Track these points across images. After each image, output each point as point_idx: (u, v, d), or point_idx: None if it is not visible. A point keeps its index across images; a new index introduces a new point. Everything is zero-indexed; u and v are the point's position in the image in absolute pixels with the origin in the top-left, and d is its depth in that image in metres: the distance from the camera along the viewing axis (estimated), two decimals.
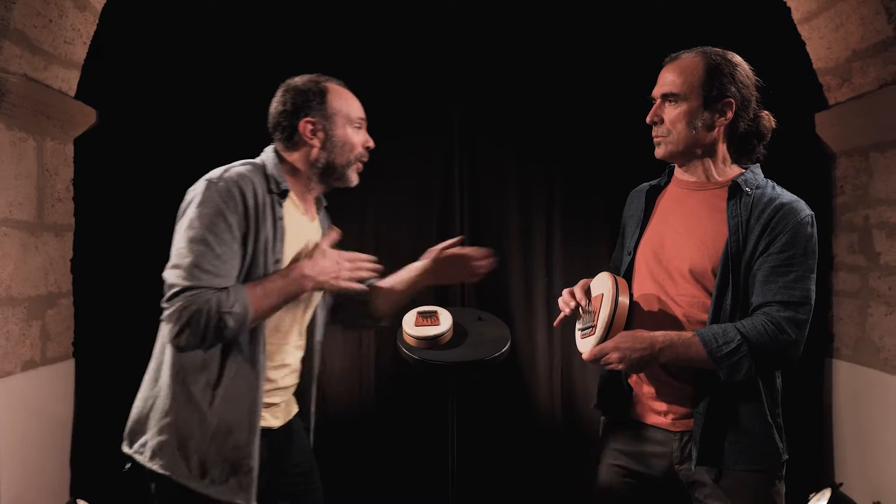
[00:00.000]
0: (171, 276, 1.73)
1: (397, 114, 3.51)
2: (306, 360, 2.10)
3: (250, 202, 1.81)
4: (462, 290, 3.49)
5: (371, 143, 2.08)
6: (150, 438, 1.80)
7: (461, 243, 2.24)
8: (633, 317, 1.87)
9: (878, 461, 3.14)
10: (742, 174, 1.88)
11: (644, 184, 2.11)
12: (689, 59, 1.88)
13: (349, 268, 1.94)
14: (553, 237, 3.53)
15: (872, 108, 3.06)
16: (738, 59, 1.90)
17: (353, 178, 2.06)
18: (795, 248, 1.77)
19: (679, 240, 1.89)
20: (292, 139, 1.97)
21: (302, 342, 2.07)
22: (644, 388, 1.94)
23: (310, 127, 1.95)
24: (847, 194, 3.36)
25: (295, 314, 1.99)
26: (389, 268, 3.51)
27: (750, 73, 1.90)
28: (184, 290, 1.70)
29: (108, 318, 3.35)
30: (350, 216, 3.51)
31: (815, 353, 3.51)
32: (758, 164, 1.94)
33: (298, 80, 2.02)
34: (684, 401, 1.87)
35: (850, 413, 3.37)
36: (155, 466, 1.78)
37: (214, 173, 1.83)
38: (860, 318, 3.27)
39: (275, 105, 2.01)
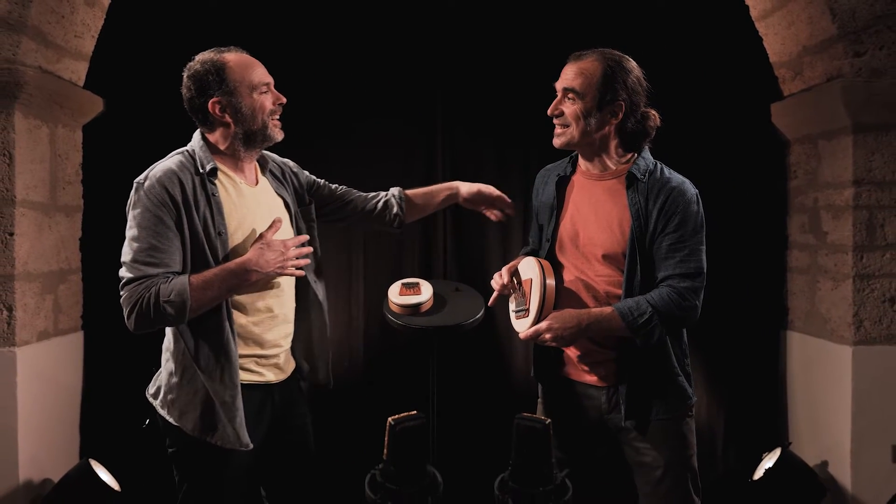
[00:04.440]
0: (121, 270, 1.98)
1: (384, 106, 3.76)
2: (303, 316, 2.27)
3: (176, 192, 1.96)
4: (444, 266, 3.75)
5: (283, 99, 2.16)
6: (164, 395, 2.08)
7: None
8: (561, 297, 2.16)
9: (826, 424, 3.42)
10: (634, 163, 2.13)
11: (550, 167, 2.37)
12: (590, 62, 2.11)
13: (294, 255, 2.06)
14: (529, 218, 3.77)
15: (820, 99, 3.32)
16: (632, 65, 2.15)
17: (277, 135, 2.15)
18: (686, 226, 2.06)
19: (590, 227, 2.16)
20: (207, 120, 2.08)
21: (291, 292, 2.22)
22: (573, 354, 2.23)
23: (218, 107, 2.04)
24: (799, 178, 3.64)
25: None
26: (374, 252, 3.79)
27: (641, 79, 2.15)
28: (127, 282, 1.94)
29: (113, 293, 3.57)
30: None
31: (771, 326, 3.80)
32: (646, 149, 2.19)
33: (196, 62, 2.08)
34: (607, 362, 2.18)
35: (801, 380, 3.65)
36: (170, 419, 2.05)
37: (141, 175, 2.01)
38: (810, 293, 3.55)
39: (184, 92, 2.09)
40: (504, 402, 3.59)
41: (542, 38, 3.73)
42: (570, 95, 2.12)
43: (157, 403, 2.10)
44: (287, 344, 2.23)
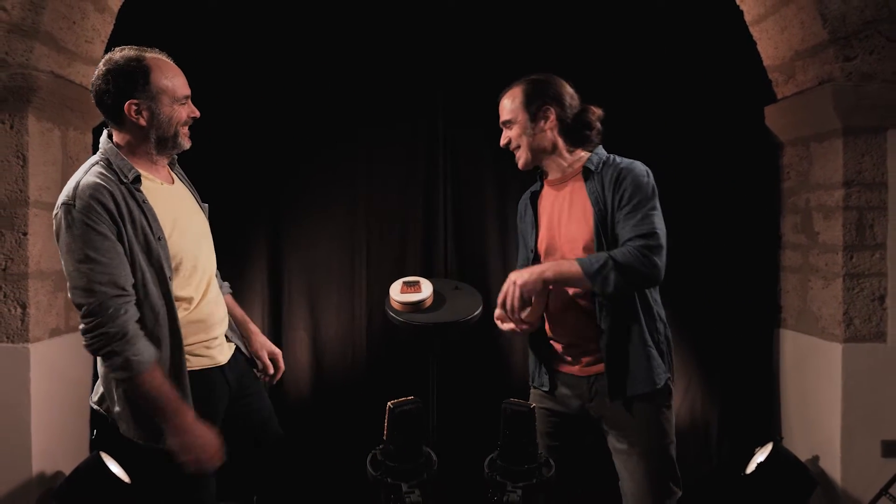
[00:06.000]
0: (76, 297, 1.90)
1: (385, 108, 3.84)
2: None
3: (111, 206, 1.91)
4: (445, 265, 3.85)
5: (197, 114, 2.14)
6: (112, 406, 2.06)
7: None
8: (550, 299, 2.32)
9: (817, 419, 3.50)
10: (589, 159, 2.31)
11: (527, 192, 2.54)
12: (512, 90, 2.39)
13: (214, 464, 2.03)
14: None
15: (812, 102, 3.40)
16: (551, 79, 2.37)
17: (185, 143, 2.14)
18: (637, 195, 2.19)
19: (563, 227, 2.32)
20: (118, 119, 2.03)
21: (213, 275, 2.25)
22: (560, 348, 2.38)
23: (134, 108, 2.00)
24: (792, 180, 3.72)
25: (199, 251, 2.18)
26: (377, 252, 3.87)
27: (564, 85, 2.36)
28: (93, 310, 1.88)
29: None
30: (341, 201, 3.86)
31: (764, 323, 3.88)
32: (599, 146, 2.37)
33: (120, 58, 2.01)
34: (589, 353, 2.31)
35: (793, 377, 3.73)
36: (121, 429, 2.05)
37: (66, 193, 1.93)
38: (802, 291, 3.63)
39: (97, 84, 2.02)
40: (499, 394, 3.68)
41: (542, 38, 3.81)
42: (508, 125, 2.39)
43: (108, 414, 2.08)
44: (226, 324, 2.28)
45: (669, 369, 2.31)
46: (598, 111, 2.38)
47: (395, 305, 2.90)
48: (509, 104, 2.37)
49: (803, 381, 3.63)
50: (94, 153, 3.50)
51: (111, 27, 3.48)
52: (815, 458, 3.48)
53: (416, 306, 2.86)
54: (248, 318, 2.51)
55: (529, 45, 3.80)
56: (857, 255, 3.30)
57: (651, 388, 2.24)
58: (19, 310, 3.10)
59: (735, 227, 3.82)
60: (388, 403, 1.80)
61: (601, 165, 2.29)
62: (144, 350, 1.93)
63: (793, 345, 3.73)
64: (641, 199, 2.19)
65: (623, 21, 3.81)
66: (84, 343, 1.93)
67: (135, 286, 1.97)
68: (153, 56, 2.06)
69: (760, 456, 3.42)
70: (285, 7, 3.79)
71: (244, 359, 2.40)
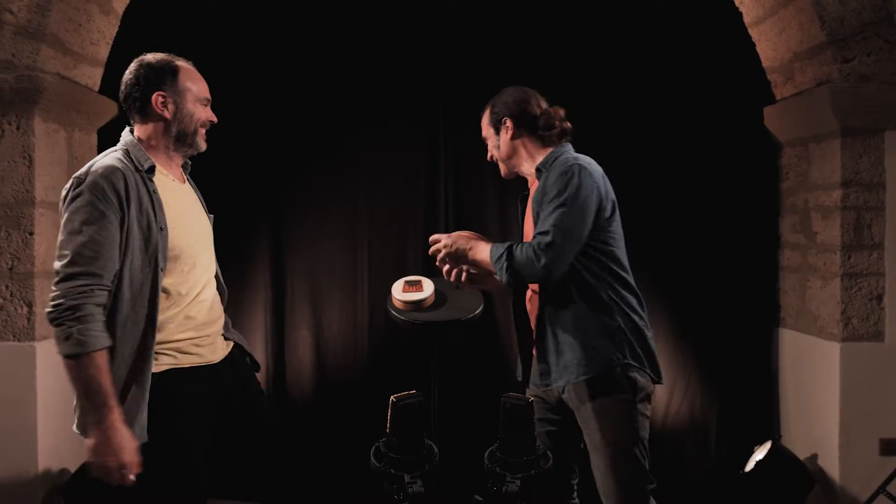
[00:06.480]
0: (57, 262, 1.94)
1: (386, 108, 3.88)
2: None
3: (120, 187, 1.97)
4: None
5: (214, 119, 2.26)
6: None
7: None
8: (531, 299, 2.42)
9: (815, 418, 3.53)
10: (543, 159, 2.37)
11: None
12: (484, 112, 2.53)
13: (126, 476, 1.96)
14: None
15: (810, 103, 3.42)
16: (508, 90, 2.49)
17: (202, 144, 2.24)
18: (551, 192, 2.23)
19: (529, 230, 2.40)
20: (144, 111, 2.13)
21: (212, 277, 2.28)
22: (533, 337, 2.43)
23: (161, 99, 2.11)
24: (791, 180, 3.75)
25: (201, 250, 2.21)
26: (378, 251, 3.91)
27: (519, 93, 2.47)
28: (66, 277, 1.90)
29: None
30: (343, 201, 3.90)
31: (764, 323, 3.91)
32: (567, 144, 2.43)
33: (152, 58, 2.17)
34: None
35: (792, 376, 3.76)
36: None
37: (81, 170, 2.01)
38: (801, 291, 3.66)
39: (128, 77, 2.15)
40: (498, 388, 3.71)
41: (542, 39, 3.84)
42: (486, 143, 2.54)
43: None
44: (221, 325, 2.30)
45: (637, 360, 2.27)
46: (559, 111, 2.43)
47: (397, 304, 2.94)
48: (483, 122, 2.53)
49: (802, 380, 3.66)
50: (99, 154, 3.59)
51: (116, 29, 3.52)
52: (814, 457, 3.50)
53: (417, 305, 2.89)
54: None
55: (529, 46, 3.83)
56: (854, 255, 3.33)
57: (585, 375, 2.22)
58: (25, 308, 3.14)
59: (734, 227, 3.84)
60: (391, 397, 1.84)
61: (550, 164, 2.34)
62: (94, 334, 1.91)
63: (791, 344, 3.76)
64: (552, 196, 2.22)
65: (623, 22, 3.84)
66: (47, 310, 1.94)
67: (122, 269, 1.98)
68: (182, 62, 2.21)
69: (759, 454, 3.45)
70: (287, 9, 3.82)
71: (246, 359, 2.43)
